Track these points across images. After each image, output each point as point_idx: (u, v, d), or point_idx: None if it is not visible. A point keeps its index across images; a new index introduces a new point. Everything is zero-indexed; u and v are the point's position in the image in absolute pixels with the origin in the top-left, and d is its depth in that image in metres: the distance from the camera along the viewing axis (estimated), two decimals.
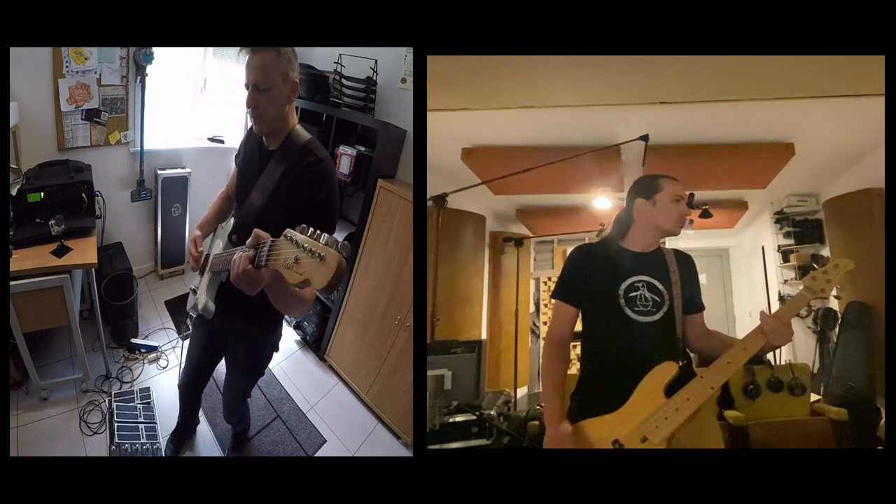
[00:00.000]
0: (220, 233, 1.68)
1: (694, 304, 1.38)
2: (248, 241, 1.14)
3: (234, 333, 1.75)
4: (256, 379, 2.02)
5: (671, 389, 1.22)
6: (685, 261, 1.41)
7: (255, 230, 1.12)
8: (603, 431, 1.24)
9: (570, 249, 1.47)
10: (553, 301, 1.43)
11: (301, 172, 1.40)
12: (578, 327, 1.41)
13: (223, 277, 1.49)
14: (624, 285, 1.32)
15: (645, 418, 1.20)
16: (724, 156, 2.69)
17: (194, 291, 1.73)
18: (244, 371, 1.91)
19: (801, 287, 1.23)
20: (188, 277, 3.82)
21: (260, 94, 1.37)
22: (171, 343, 3.05)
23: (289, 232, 0.98)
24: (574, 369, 1.46)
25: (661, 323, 1.30)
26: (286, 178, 1.41)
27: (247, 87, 1.39)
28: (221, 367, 2.01)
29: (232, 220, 1.59)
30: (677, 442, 1.20)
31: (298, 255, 0.93)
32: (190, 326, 2.22)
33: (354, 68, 2.81)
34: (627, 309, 1.31)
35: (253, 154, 1.54)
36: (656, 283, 1.33)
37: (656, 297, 1.32)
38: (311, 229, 0.96)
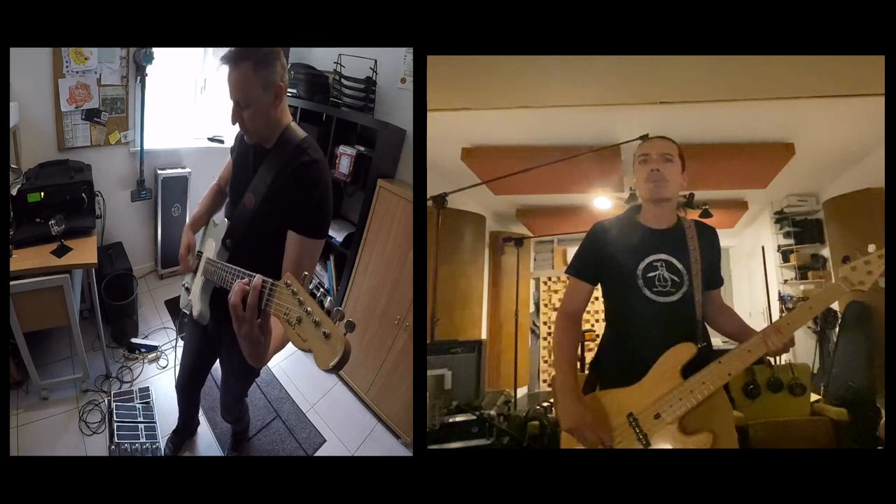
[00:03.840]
0: (212, 231, 1.63)
1: (713, 279, 1.36)
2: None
3: (227, 337, 1.71)
4: (252, 381, 2.01)
5: (688, 369, 1.21)
6: (707, 235, 1.35)
7: (239, 285, 0.95)
8: (618, 404, 1.25)
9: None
10: (567, 277, 1.41)
11: (293, 174, 1.34)
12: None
13: (216, 283, 1.44)
14: (642, 265, 1.28)
15: (660, 396, 1.21)
16: (724, 156, 2.69)
17: (187, 290, 1.70)
18: (239, 375, 1.89)
19: (839, 277, 1.18)
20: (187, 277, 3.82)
21: (242, 110, 1.33)
22: (171, 343, 3.05)
23: (289, 278, 0.86)
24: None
25: (679, 303, 1.27)
26: (278, 179, 1.36)
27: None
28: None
29: (226, 222, 1.54)
30: (689, 421, 1.20)
31: (301, 316, 0.82)
32: (181, 328, 2.19)
33: (354, 68, 2.81)
34: (646, 289, 1.27)
35: (247, 152, 1.49)
36: (675, 262, 1.29)
37: (675, 278, 1.27)
38: (312, 287, 0.84)
